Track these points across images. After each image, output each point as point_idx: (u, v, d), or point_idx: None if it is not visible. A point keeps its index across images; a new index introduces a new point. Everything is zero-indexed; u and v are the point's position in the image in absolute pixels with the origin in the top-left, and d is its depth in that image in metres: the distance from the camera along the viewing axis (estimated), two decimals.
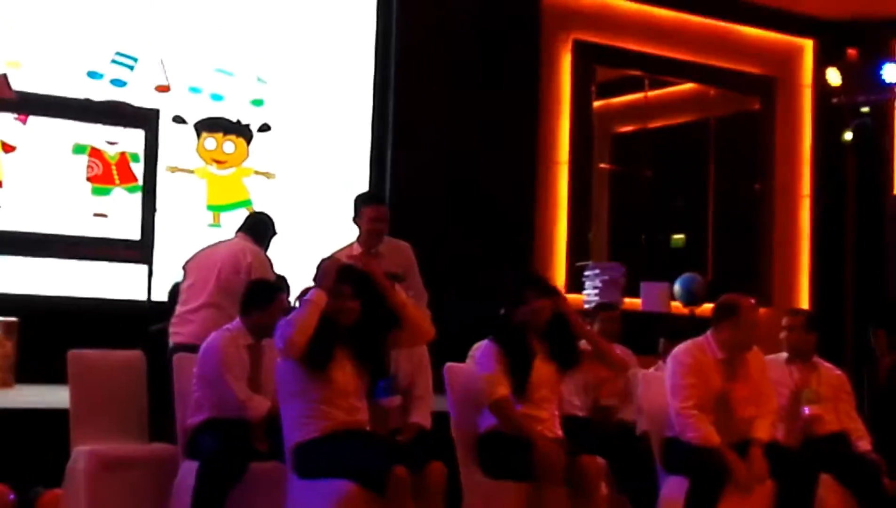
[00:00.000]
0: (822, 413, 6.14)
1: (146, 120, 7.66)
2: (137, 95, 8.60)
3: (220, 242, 6.43)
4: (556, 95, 10.54)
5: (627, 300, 9.38)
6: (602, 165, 11.46)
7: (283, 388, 4.94)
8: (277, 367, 4.98)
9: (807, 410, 6.11)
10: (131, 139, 8.17)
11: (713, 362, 5.71)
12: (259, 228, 6.37)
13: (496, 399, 5.18)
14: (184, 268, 6.35)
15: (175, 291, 6.85)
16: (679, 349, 5.77)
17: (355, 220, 6.09)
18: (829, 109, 10.42)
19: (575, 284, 9.65)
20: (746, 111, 12.07)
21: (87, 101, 8.27)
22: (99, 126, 8.07)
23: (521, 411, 5.19)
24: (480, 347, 5.48)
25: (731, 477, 5.45)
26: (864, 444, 6.12)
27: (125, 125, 7.83)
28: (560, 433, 5.36)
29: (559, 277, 9.87)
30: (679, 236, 11.94)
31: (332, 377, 4.86)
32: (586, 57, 10.76)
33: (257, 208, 8.71)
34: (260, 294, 5.53)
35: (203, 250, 6.33)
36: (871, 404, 8.63)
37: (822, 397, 6.19)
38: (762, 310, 11.01)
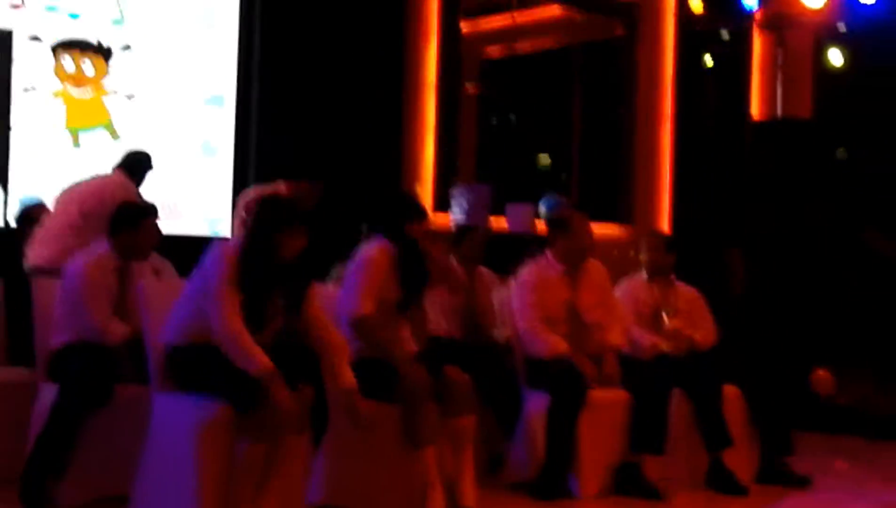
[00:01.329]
0: (682, 326, 6.44)
1: None
2: None
3: (94, 176, 6.39)
4: (424, 17, 10.50)
5: (494, 220, 9.50)
6: (470, 89, 11.50)
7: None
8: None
9: (665, 324, 6.40)
10: None
11: (555, 276, 5.92)
12: (135, 165, 6.37)
13: (362, 316, 5.13)
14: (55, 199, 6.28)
15: (24, 212, 6.75)
16: (521, 269, 5.94)
17: None
18: (691, 34, 10.62)
19: (442, 204, 9.73)
20: (611, 36, 12.21)
21: None
22: None
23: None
24: (368, 249, 5.35)
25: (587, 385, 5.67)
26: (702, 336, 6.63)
27: None
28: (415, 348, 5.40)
29: (426, 197, 9.93)
30: (544, 156, 12.11)
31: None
32: None
33: (118, 129, 8.58)
34: (130, 215, 5.48)
35: (76, 182, 6.29)
36: (726, 315, 9.01)
37: (680, 310, 6.50)
38: (625, 229, 11.40)
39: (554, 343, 5.82)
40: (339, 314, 5.23)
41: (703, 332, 6.58)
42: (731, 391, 6.36)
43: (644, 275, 6.63)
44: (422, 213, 5.38)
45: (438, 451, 5.03)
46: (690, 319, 6.60)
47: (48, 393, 5.19)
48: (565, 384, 5.70)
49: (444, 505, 4.98)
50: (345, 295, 5.22)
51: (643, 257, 6.66)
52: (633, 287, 6.64)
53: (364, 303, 5.14)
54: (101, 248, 5.41)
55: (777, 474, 6.38)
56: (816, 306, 9.69)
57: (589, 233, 6.17)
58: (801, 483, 6.35)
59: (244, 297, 4.50)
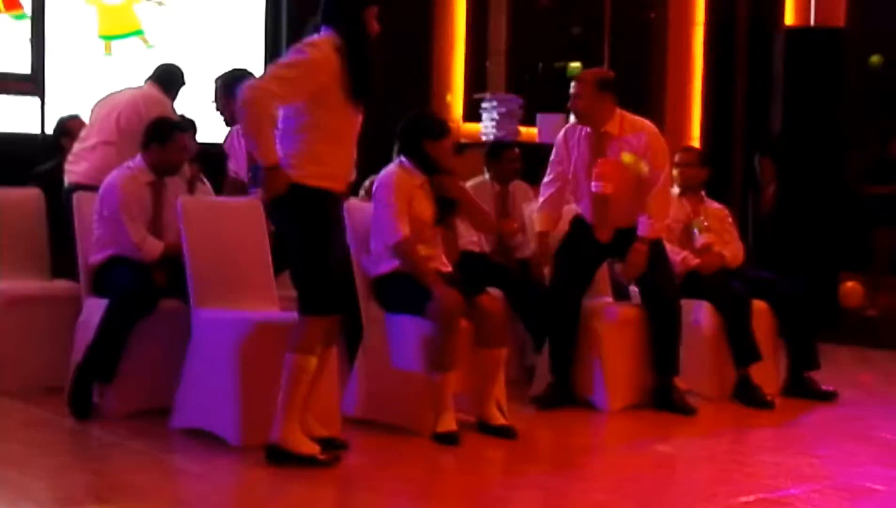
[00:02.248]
0: (713, 241, 6.49)
1: None
2: None
3: (127, 88, 6.40)
4: None
5: (524, 131, 9.50)
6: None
7: None
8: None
9: (699, 238, 6.47)
10: None
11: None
12: (166, 77, 6.36)
13: (400, 239, 5.17)
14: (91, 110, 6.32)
15: (61, 126, 6.80)
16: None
17: None
18: None
19: (472, 115, 9.72)
20: None
21: None
22: None
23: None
24: (388, 174, 5.35)
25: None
26: (732, 257, 6.60)
27: None
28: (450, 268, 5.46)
29: (457, 109, 9.92)
30: (575, 65, 12.00)
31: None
32: None
33: (149, 37, 8.58)
34: (161, 130, 5.53)
35: (111, 93, 6.30)
36: (755, 229, 9.01)
37: (710, 227, 6.53)
38: None
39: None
40: (374, 234, 5.31)
41: (733, 249, 6.62)
42: (759, 305, 6.41)
43: (676, 189, 6.63)
44: (441, 132, 5.33)
45: (458, 374, 5.10)
46: (720, 236, 6.64)
47: (92, 306, 5.32)
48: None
49: (454, 426, 5.06)
50: (378, 219, 5.25)
51: (676, 171, 6.64)
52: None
53: (399, 226, 5.14)
54: (134, 163, 5.48)
55: (803, 388, 6.47)
56: (846, 217, 9.69)
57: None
58: (826, 397, 6.43)
59: None
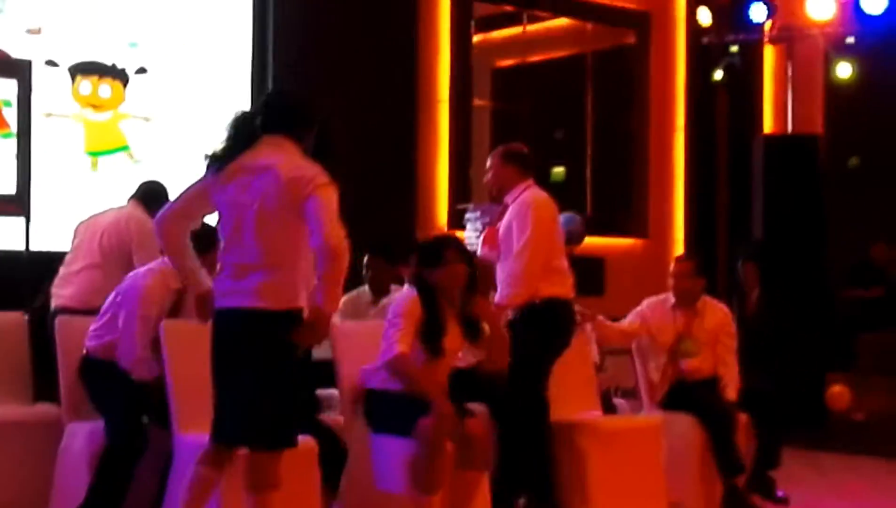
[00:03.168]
0: (699, 365, 6.49)
1: (19, 70, 7.51)
2: (7, 38, 8.38)
3: (110, 208, 6.47)
4: (434, 32, 10.57)
5: None
6: (481, 102, 11.55)
7: None
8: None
9: (683, 364, 6.46)
10: (2, 85, 7.95)
11: None
12: (150, 195, 6.41)
13: (396, 354, 5.09)
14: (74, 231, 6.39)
15: None
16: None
17: None
18: (701, 47, 10.65)
19: (456, 225, 9.79)
20: (622, 45, 12.25)
21: None
22: None
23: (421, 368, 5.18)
24: (401, 296, 5.37)
25: None
26: (730, 392, 6.44)
27: None
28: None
29: (441, 218, 10.00)
30: (559, 170, 12.14)
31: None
32: None
33: (135, 153, 8.67)
34: (201, 239, 5.48)
35: (93, 215, 6.38)
36: (741, 334, 9.03)
37: (702, 346, 6.49)
38: (640, 242, 11.43)
39: None
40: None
41: (731, 374, 6.50)
42: (743, 417, 6.40)
43: (671, 299, 6.60)
44: (435, 261, 5.27)
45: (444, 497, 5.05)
46: (712, 354, 6.53)
47: (73, 432, 5.27)
48: None
49: None
50: (383, 336, 5.20)
51: (670, 281, 6.62)
52: (657, 312, 6.59)
53: (397, 344, 5.09)
54: (165, 265, 5.20)
55: (763, 487, 6.42)
56: (831, 320, 9.73)
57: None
58: (779, 502, 6.42)
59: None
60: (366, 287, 6.93)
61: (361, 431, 5.32)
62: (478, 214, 9.38)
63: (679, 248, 11.01)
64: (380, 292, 6.85)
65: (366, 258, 6.86)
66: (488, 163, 6.06)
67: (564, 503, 5.83)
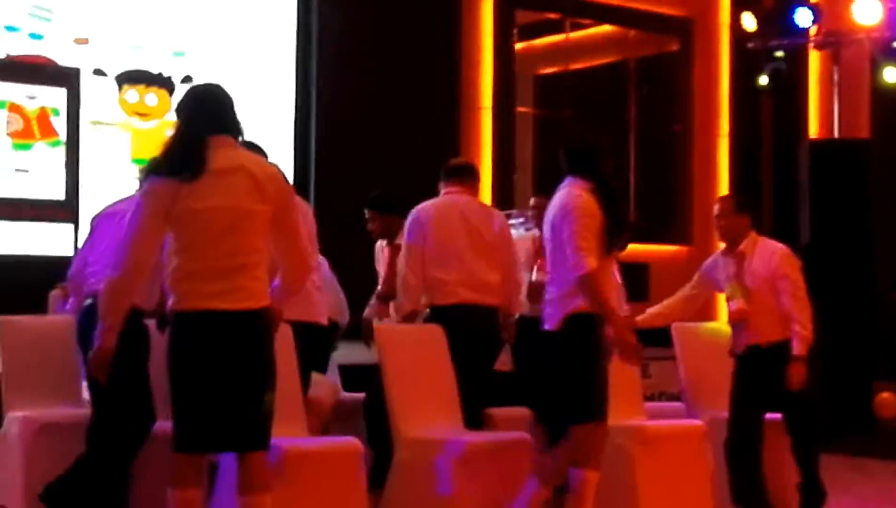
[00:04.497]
0: (747, 308, 5.72)
1: (67, 79, 7.63)
2: (56, 47, 8.50)
3: None
4: (477, 40, 10.60)
5: None
6: (524, 109, 11.57)
7: None
8: None
9: (732, 305, 5.80)
10: (51, 94, 8.10)
11: None
12: None
13: (590, 272, 4.69)
14: None
15: None
16: None
17: None
18: (745, 52, 10.60)
19: None
20: (665, 52, 12.23)
21: (9, 60, 8.17)
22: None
23: None
24: (573, 196, 4.83)
25: None
26: (797, 347, 5.63)
27: (46, 84, 7.76)
28: None
29: None
30: None
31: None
32: (507, 2, 10.82)
33: None
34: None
35: None
36: None
37: (747, 290, 5.75)
38: (684, 249, 11.38)
39: None
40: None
41: (794, 337, 5.63)
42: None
43: (721, 245, 5.97)
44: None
45: None
46: (762, 304, 5.68)
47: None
48: None
49: None
50: (567, 246, 4.77)
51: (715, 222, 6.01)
52: (714, 263, 5.98)
53: (590, 257, 4.71)
54: None
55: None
56: (879, 326, 9.64)
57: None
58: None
59: None
60: None
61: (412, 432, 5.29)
62: (521, 220, 9.37)
63: None
64: None
65: (532, 200, 7.03)
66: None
67: None
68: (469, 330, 5.65)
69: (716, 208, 6.07)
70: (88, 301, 5.02)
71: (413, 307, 5.83)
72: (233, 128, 4.12)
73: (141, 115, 8.93)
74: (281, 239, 4.06)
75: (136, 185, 5.26)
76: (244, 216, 3.96)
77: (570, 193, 4.88)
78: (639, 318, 5.89)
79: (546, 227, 5.01)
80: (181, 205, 3.91)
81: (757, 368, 5.72)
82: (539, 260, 6.41)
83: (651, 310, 6.10)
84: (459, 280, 5.76)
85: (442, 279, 5.77)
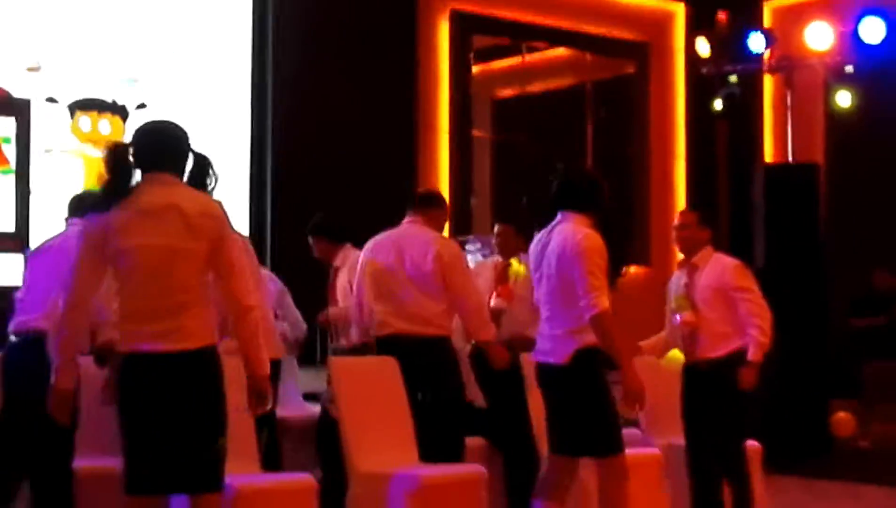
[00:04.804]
0: (694, 320, 5.68)
1: (17, 109, 7.55)
2: (7, 75, 8.41)
3: None
4: (434, 63, 10.61)
5: None
6: (480, 134, 11.58)
7: None
8: None
9: (678, 317, 5.78)
10: (1, 123, 8.01)
11: None
12: None
13: (605, 311, 4.66)
14: None
15: None
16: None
17: None
18: (700, 77, 10.67)
19: None
20: (622, 75, 12.30)
21: None
22: None
23: None
24: (585, 235, 4.81)
25: None
26: (752, 353, 5.61)
27: None
28: None
29: None
30: None
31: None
32: (464, 26, 10.84)
33: None
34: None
35: None
36: None
37: (695, 303, 5.69)
38: (642, 270, 11.42)
39: None
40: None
41: (749, 346, 5.59)
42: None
43: (679, 256, 5.95)
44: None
45: None
46: (708, 318, 5.66)
47: None
48: None
49: None
50: (580, 284, 4.74)
51: (674, 235, 5.95)
52: (674, 279, 5.95)
53: (604, 297, 4.69)
54: None
55: None
56: (834, 349, 9.69)
57: None
58: None
59: None
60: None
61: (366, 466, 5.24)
62: (478, 246, 9.37)
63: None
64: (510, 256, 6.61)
65: (496, 227, 6.81)
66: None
67: None
68: (404, 362, 5.58)
69: (677, 220, 6.02)
70: (12, 338, 4.94)
71: (358, 341, 5.83)
72: (174, 165, 4.02)
73: (94, 142, 8.85)
74: (218, 276, 3.99)
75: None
76: (176, 254, 3.88)
77: (575, 230, 4.86)
78: (642, 343, 5.92)
79: (545, 262, 4.93)
80: (112, 243, 3.88)
81: (701, 384, 5.72)
82: (499, 287, 6.41)
83: (651, 340, 6.05)
84: (392, 311, 5.73)
85: (378, 311, 5.76)
